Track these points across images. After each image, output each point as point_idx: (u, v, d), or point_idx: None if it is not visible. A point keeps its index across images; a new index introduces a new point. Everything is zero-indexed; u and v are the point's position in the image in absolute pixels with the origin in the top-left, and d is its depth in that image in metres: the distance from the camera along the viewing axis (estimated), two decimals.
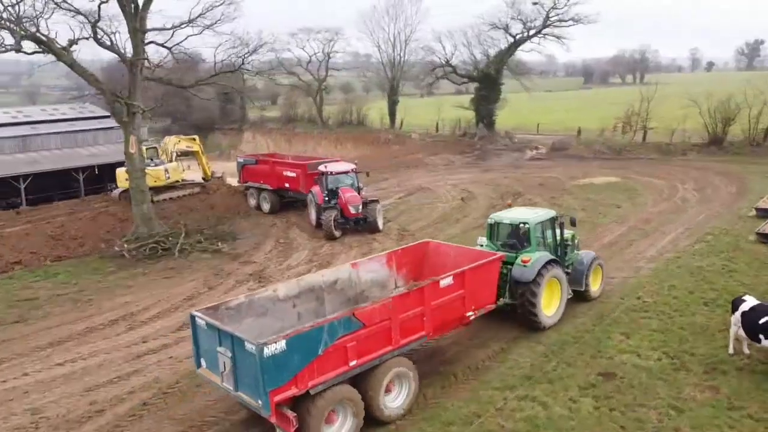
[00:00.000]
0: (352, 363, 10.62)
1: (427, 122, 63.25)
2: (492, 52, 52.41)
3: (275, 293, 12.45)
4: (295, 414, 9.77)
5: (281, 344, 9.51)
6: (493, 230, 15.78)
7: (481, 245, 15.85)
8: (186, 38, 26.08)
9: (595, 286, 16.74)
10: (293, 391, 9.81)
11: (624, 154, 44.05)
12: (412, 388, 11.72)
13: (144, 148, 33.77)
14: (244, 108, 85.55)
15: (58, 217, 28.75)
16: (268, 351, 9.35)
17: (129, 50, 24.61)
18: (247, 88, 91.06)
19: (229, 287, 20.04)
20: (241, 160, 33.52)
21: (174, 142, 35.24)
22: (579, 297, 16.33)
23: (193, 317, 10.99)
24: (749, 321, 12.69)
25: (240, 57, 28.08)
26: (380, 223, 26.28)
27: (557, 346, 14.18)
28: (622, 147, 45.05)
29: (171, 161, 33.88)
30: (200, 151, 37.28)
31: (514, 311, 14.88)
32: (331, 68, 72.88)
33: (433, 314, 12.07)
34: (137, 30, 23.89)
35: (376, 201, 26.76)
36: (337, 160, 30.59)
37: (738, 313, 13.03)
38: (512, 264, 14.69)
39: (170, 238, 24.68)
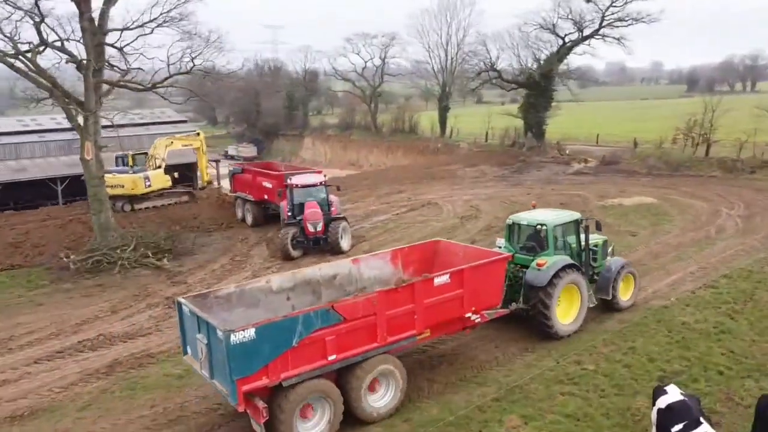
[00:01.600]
0: (331, 357, 10.35)
1: (478, 131, 59.43)
2: (542, 55, 47.87)
3: (268, 284, 12.26)
4: (266, 405, 9.62)
5: (250, 332, 9.35)
6: (511, 232, 15.12)
7: (500, 247, 15.28)
8: (136, 38, 24.53)
9: (624, 296, 15.84)
10: (264, 382, 9.65)
11: (681, 170, 38.36)
12: (399, 389, 11.37)
13: (130, 153, 33.11)
14: (306, 114, 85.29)
15: (29, 223, 28.13)
16: (235, 338, 9.21)
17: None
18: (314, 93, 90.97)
19: (133, 312, 18.07)
20: (231, 168, 31.80)
21: (165, 144, 32.96)
22: (608, 307, 15.57)
23: (179, 304, 10.91)
24: (661, 424, 8.88)
25: (190, 56, 26.12)
26: (345, 244, 23.47)
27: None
28: (680, 162, 39.32)
29: (159, 167, 32.15)
30: (201, 152, 35.18)
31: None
32: (386, 74, 70.62)
33: (426, 313, 11.57)
34: (86, 30, 22.58)
35: (341, 219, 23.95)
36: (317, 171, 28.17)
37: (654, 410, 9.22)
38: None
39: (117, 251, 23.14)
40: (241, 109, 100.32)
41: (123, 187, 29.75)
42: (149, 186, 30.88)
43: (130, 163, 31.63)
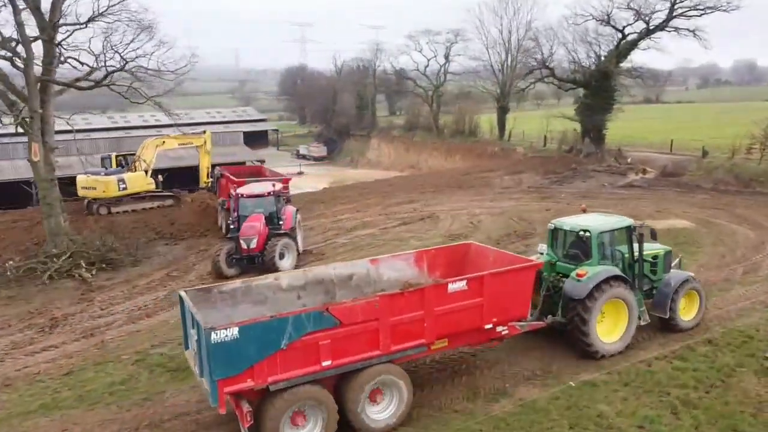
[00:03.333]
0: (326, 363, 9.77)
1: (539, 134, 54.29)
2: (601, 51, 42.26)
3: (276, 281, 11.78)
4: (251, 409, 9.27)
5: (233, 331, 8.94)
6: (554, 237, 13.98)
7: (541, 253, 14.24)
8: (71, 33, 22.94)
9: (687, 315, 14.18)
10: (249, 384, 9.23)
11: (753, 185, 31.97)
12: (404, 401, 10.56)
13: (113, 155, 32.07)
14: (374, 114, 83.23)
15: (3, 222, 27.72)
16: (216, 336, 8.83)
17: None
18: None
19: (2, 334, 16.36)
20: (218, 171, 29.97)
21: (155, 145, 31.39)
22: (666, 327, 13.93)
23: (181, 297, 10.54)
24: None
25: (117, 52, 24.13)
26: (285, 264, 20.66)
27: None
28: (754, 176, 32.84)
29: (145, 169, 30.63)
30: (204, 151, 33.19)
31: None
32: (450, 72, 66.75)
33: (438, 322, 10.72)
34: (22, 25, 21.36)
35: (284, 235, 21.13)
36: (285, 179, 25.78)
37: None
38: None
39: (54, 259, 21.80)
40: (321, 108, 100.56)
41: (95, 189, 28.76)
42: (124, 189, 29.56)
43: (113, 164, 30.66)
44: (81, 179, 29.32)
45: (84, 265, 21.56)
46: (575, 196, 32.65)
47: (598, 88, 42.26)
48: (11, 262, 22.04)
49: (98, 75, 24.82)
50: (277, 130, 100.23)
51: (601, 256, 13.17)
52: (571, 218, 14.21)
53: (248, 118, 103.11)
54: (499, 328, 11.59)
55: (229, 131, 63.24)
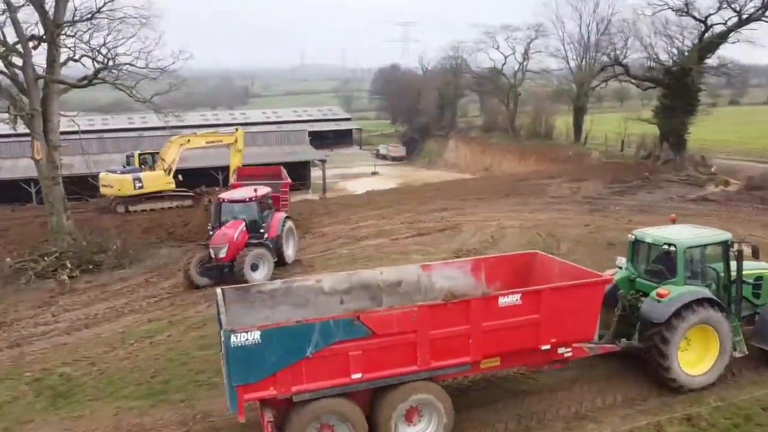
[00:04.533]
0: (356, 376, 9.11)
1: (619, 137, 49.49)
2: (684, 45, 37.24)
3: (318, 284, 11.28)
4: (272, 419, 8.74)
5: (254, 335, 8.50)
6: (635, 251, 12.50)
7: (620, 267, 12.86)
8: (78, 32, 22.62)
9: None
10: (271, 393, 8.77)
11: None
12: (443, 425, 9.68)
13: (137, 153, 31.93)
14: (454, 115, 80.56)
15: (16, 220, 28.19)
16: (236, 340, 8.43)
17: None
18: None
19: None
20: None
21: (179, 143, 30.76)
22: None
23: (218, 294, 10.21)
24: None
25: (107, 48, 23.32)
26: (257, 276, 19.11)
27: None
28: None
29: (166, 168, 30.18)
30: (236, 150, 32.28)
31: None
32: (529, 71, 62.73)
33: (486, 339, 9.79)
34: (18, 23, 21.31)
35: (259, 245, 19.56)
36: (285, 185, 24.25)
37: None
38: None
39: (45, 258, 21.68)
40: (406, 108, 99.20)
41: (111, 187, 28.74)
42: (140, 188, 29.29)
43: (136, 163, 30.59)
44: (102, 177, 29.61)
45: (69, 265, 21.24)
46: (631, 210, 28.77)
47: (678, 88, 37.33)
48: (8, 260, 22.23)
49: (103, 74, 24.56)
50: (360, 129, 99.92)
51: (688, 275, 11.60)
52: (656, 229, 12.66)
53: (334, 117, 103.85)
54: (560, 350, 10.47)
55: (294, 130, 63.03)
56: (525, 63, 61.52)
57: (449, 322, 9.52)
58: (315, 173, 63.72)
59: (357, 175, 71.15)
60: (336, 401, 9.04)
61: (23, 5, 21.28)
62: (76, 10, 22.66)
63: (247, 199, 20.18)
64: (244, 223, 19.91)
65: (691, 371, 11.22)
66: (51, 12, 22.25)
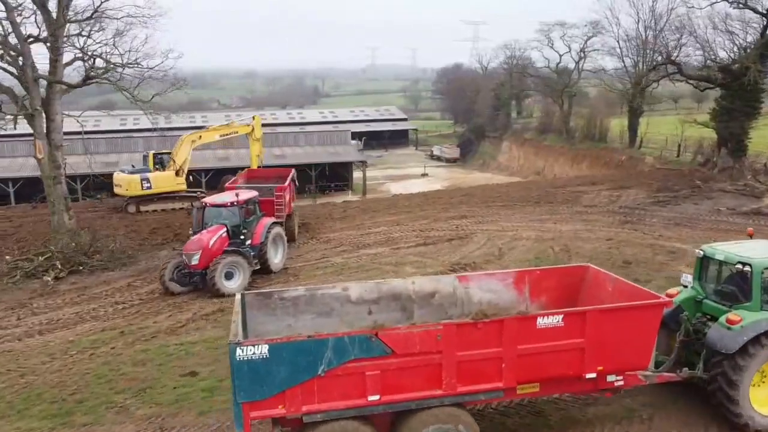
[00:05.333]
0: (373, 398, 8.45)
1: (676, 141, 45.82)
2: (744, 42, 33.68)
3: (345, 292, 10.70)
4: None
5: (262, 348, 7.98)
6: (703, 268, 11.21)
7: (684, 286, 11.47)
8: (62, 26, 22.28)
9: None
10: (279, 411, 8.25)
11: None
12: None
13: (151, 153, 31.72)
14: (508, 115, 77.87)
15: (31, 217, 28.51)
16: (242, 353, 7.92)
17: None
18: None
19: None
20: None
21: (190, 140, 29.74)
22: None
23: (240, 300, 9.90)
24: None
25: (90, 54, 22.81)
26: (231, 286, 18.22)
27: None
28: None
29: (176, 169, 29.61)
30: (254, 138, 30.62)
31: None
32: (586, 70, 59.40)
33: (521, 363, 8.87)
34: (16, 23, 21.34)
35: (234, 253, 18.63)
36: (279, 188, 23.15)
37: None
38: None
39: (37, 258, 21.67)
40: (465, 108, 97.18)
41: (120, 186, 28.68)
42: (148, 188, 29.00)
43: (150, 163, 30.41)
44: (114, 177, 29.68)
45: (59, 266, 21.13)
46: (668, 223, 26.07)
47: (737, 88, 33.86)
48: (8, 257, 22.41)
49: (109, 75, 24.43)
50: (416, 130, 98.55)
51: (766, 299, 10.11)
52: (730, 245, 11.34)
53: (390, 117, 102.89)
54: (610, 378, 9.43)
55: (337, 131, 62.40)
56: (581, 62, 58.30)
57: (479, 344, 8.67)
58: (359, 174, 63.08)
59: (406, 176, 69.76)
60: (351, 424, 8.39)
61: (20, 6, 21.29)
62: (76, 14, 22.52)
63: (228, 204, 19.37)
64: (224, 229, 19.12)
65: (762, 410, 9.89)
66: (54, 12, 22.25)
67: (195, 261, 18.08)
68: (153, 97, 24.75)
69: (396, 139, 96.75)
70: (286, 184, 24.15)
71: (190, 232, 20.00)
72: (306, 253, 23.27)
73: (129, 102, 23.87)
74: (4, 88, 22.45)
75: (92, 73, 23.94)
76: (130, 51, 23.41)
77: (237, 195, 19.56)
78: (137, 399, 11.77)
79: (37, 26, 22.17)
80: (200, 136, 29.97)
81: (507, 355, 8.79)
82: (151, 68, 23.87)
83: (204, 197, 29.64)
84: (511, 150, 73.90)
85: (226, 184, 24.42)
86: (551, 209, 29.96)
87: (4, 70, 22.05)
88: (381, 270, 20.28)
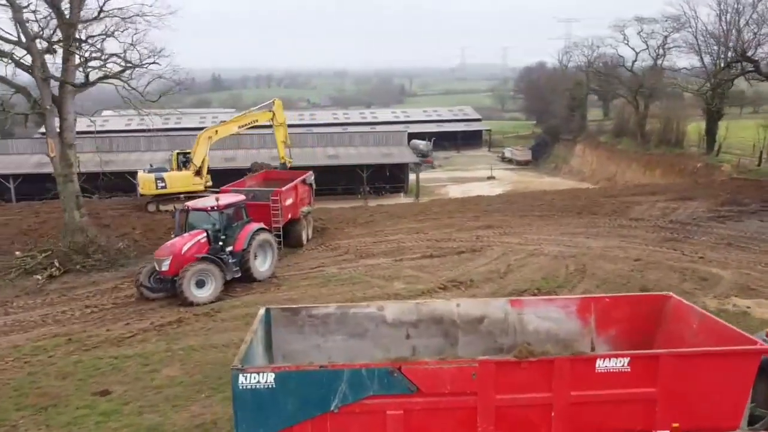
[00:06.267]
0: None
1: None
2: None
3: (380, 312, 9.85)
4: None
5: (268, 377, 7.25)
6: None
7: None
8: (74, 26, 22.18)
9: None
10: None
11: None
12: None
13: (175, 152, 31.50)
14: (583, 117, 73.64)
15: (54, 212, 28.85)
16: (245, 381, 7.24)
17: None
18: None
19: None
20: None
21: (207, 137, 28.27)
22: None
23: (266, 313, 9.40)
24: None
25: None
26: (202, 294, 17.43)
27: None
28: None
29: (195, 170, 29.14)
30: (277, 124, 28.89)
31: None
32: (667, 68, 54.72)
33: (576, 413, 7.65)
34: (24, 23, 21.54)
35: (206, 260, 17.74)
36: (275, 193, 22.09)
37: None
38: None
39: (38, 256, 21.89)
40: (542, 108, 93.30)
41: (140, 186, 28.67)
42: (163, 187, 28.75)
43: (174, 162, 30.24)
44: (138, 176, 29.82)
45: (57, 264, 21.20)
46: (719, 242, 22.89)
47: None
48: (18, 253, 22.84)
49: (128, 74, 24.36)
50: (489, 131, 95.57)
51: None
52: None
53: (464, 118, 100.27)
54: None
55: (393, 131, 60.97)
56: (660, 60, 53.72)
57: (523, 386, 7.49)
58: (422, 176, 61.46)
59: (472, 178, 67.42)
60: None
61: (27, 6, 21.51)
62: (84, 23, 22.57)
63: (209, 209, 18.58)
64: (204, 234, 18.38)
65: None
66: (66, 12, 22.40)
67: (165, 267, 17.40)
68: (160, 97, 24.51)
69: (469, 139, 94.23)
70: (288, 187, 23.17)
71: (172, 235, 19.44)
72: (304, 261, 22.20)
73: (128, 102, 23.58)
74: (20, 87, 22.87)
75: (108, 73, 23.97)
76: (132, 47, 23.26)
77: (217, 199, 18.73)
78: (33, 419, 11.04)
79: (39, 25, 22.27)
80: (216, 131, 28.59)
81: (557, 403, 7.56)
82: (143, 66, 23.58)
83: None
84: (584, 154, 69.80)
85: (230, 185, 23.80)
86: (591, 221, 27.26)
87: (21, 68, 22.37)
88: (369, 284, 18.83)
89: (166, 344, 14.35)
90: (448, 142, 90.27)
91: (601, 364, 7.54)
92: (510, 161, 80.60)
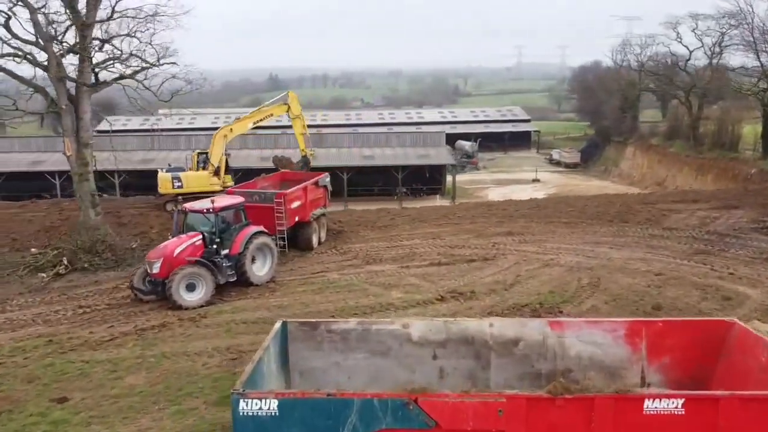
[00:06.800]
0: None
1: None
2: None
3: (405, 330, 9.29)
4: None
5: (271, 404, 6.87)
6: None
7: None
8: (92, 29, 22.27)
9: None
10: None
11: None
12: None
13: (195, 152, 31.37)
14: (635, 117, 70.64)
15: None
16: (246, 407, 6.89)
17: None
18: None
19: None
20: None
21: (222, 135, 27.65)
22: None
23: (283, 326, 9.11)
24: None
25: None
26: (191, 298, 17.11)
27: None
28: None
29: (213, 170, 28.74)
30: (293, 116, 28.02)
31: None
32: (729, 69, 51.59)
33: None
34: (39, 24, 21.84)
35: (198, 264, 17.38)
36: (279, 195, 21.59)
37: None
38: None
39: (50, 252, 22.18)
40: (593, 108, 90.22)
41: (159, 185, 28.75)
42: (179, 187, 28.65)
43: (194, 162, 30.13)
44: (158, 175, 29.96)
45: (65, 262, 21.39)
46: (756, 258, 20.98)
47: None
48: (33, 250, 23.26)
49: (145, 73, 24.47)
50: (538, 131, 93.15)
51: None
52: None
53: (512, 118, 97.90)
54: None
55: (431, 132, 59.90)
56: (716, 59, 50.67)
57: (558, 427, 6.71)
58: (461, 177, 60.34)
59: (516, 181, 65.81)
60: None
61: (43, 7, 21.79)
62: (99, 23, 22.72)
63: (204, 210, 18.25)
64: (200, 237, 18.10)
65: None
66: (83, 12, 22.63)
67: (156, 269, 17.15)
68: (172, 96, 24.49)
69: (517, 141, 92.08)
70: (295, 189, 22.69)
71: (170, 236, 19.25)
72: (310, 265, 21.65)
73: (133, 102, 23.63)
74: (38, 87, 23.27)
75: (123, 74, 24.14)
76: (150, 46, 23.35)
77: (212, 201, 18.39)
78: None
79: (54, 28, 22.52)
80: (231, 129, 27.99)
81: None
82: (156, 65, 23.54)
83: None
84: (634, 156, 66.94)
85: (240, 185, 23.54)
86: (620, 230, 25.64)
87: (40, 66, 22.75)
88: (365, 292, 18.08)
89: (140, 350, 14.03)
90: (495, 143, 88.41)
91: (650, 405, 6.63)
92: (558, 163, 78.28)
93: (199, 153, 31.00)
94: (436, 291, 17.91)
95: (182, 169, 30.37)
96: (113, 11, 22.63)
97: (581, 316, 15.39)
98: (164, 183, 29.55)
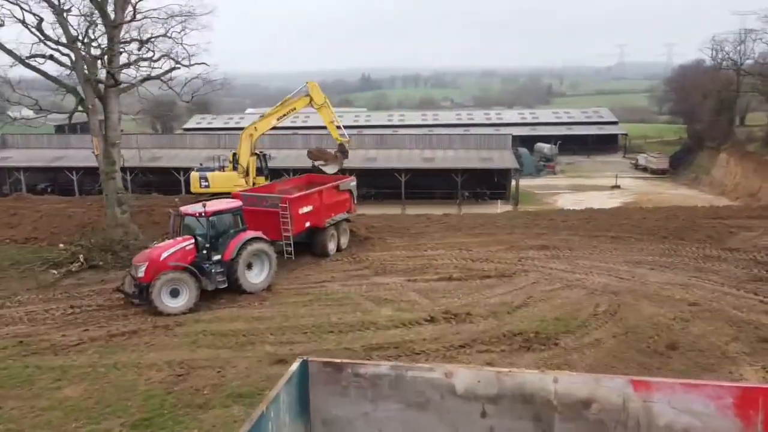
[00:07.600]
0: None
1: None
2: None
3: (449, 380, 7.64)
4: None
5: None
6: None
7: None
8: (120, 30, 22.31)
9: None
10: None
11: None
12: None
13: (232, 152, 30.88)
14: (731, 121, 64.59)
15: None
16: None
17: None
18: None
19: None
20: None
21: (248, 135, 27.18)
22: None
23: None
24: None
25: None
26: (174, 305, 16.63)
27: None
28: None
29: (242, 171, 28.13)
30: (318, 107, 27.28)
31: None
32: None
33: None
34: (65, 25, 22.22)
35: (182, 269, 16.81)
36: (282, 198, 20.62)
37: None
38: None
39: (69, 248, 22.62)
40: (687, 111, 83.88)
41: (191, 184, 28.69)
42: (206, 187, 28.37)
43: (230, 162, 29.74)
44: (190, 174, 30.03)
45: (81, 260, 21.70)
46: None
47: None
48: (61, 245, 23.87)
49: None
50: (626, 135, 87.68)
51: None
52: None
53: (599, 120, 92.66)
54: None
55: (497, 134, 57.33)
56: None
57: None
58: (526, 183, 57.52)
59: (593, 187, 62.11)
60: None
61: (69, 9, 22.20)
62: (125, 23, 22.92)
63: (197, 215, 17.75)
64: (192, 241, 17.64)
65: None
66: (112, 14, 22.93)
67: (140, 273, 16.81)
68: (192, 97, 24.34)
69: (602, 144, 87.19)
70: (303, 194, 21.82)
71: (164, 238, 18.92)
72: (315, 274, 20.73)
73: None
74: (69, 87, 23.84)
75: (153, 73, 24.33)
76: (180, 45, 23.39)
77: (204, 205, 17.84)
78: None
79: (77, 30, 22.92)
80: (256, 128, 27.62)
81: None
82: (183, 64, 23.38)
83: None
84: (728, 164, 61.10)
85: (256, 188, 23.00)
86: (672, 249, 22.85)
87: (68, 67, 23.28)
88: (355, 307, 16.85)
89: (97, 357, 13.61)
90: (578, 146, 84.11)
91: None
92: (644, 169, 73.05)
93: (234, 153, 30.91)
94: (430, 310, 16.40)
95: (210, 169, 30.32)
96: (134, 12, 22.68)
97: (582, 349, 13.54)
98: (194, 182, 29.70)
